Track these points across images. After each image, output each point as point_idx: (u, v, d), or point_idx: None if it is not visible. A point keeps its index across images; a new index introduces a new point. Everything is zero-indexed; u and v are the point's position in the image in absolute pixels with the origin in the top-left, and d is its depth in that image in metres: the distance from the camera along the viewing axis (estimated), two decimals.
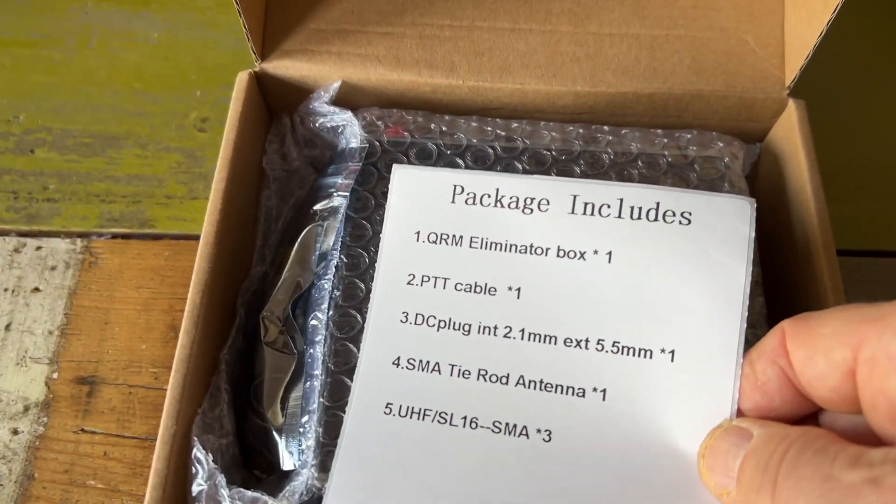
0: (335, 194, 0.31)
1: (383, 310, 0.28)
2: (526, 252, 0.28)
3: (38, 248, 0.40)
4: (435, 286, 0.28)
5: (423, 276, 0.28)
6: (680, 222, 0.27)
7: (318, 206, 0.32)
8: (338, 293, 0.29)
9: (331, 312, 0.29)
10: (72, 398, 0.36)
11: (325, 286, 0.29)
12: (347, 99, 0.35)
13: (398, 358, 0.28)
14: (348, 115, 0.33)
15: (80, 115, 0.44)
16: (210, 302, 0.30)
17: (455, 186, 0.30)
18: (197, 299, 0.29)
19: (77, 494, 0.34)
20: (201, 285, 0.29)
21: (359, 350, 0.28)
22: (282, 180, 0.36)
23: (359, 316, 0.29)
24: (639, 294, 0.27)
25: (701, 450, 0.24)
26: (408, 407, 0.27)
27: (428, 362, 0.27)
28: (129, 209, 0.41)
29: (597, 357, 0.26)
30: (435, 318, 0.28)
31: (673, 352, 0.26)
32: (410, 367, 0.27)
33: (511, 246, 0.28)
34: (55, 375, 0.36)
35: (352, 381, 0.28)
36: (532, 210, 0.29)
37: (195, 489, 0.27)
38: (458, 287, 0.28)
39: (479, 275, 0.28)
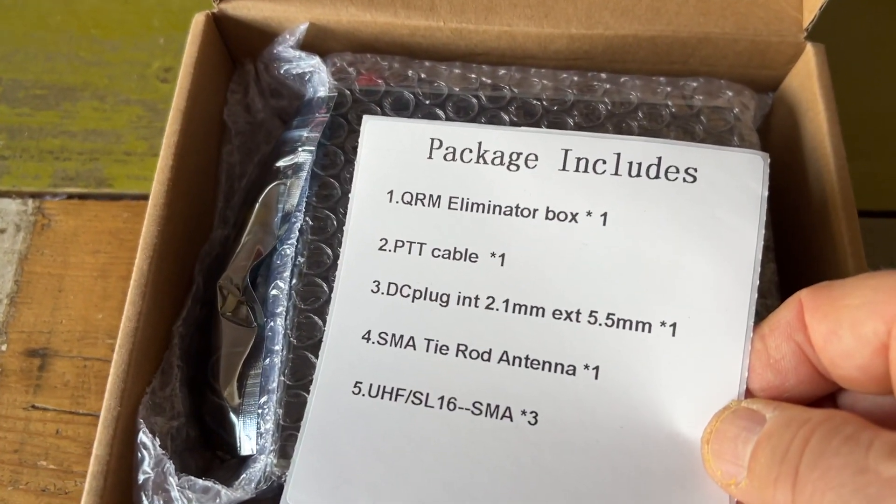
0: (300, 149, 0.28)
1: (352, 278, 0.25)
2: (511, 214, 0.25)
3: None
4: (410, 252, 0.25)
5: (396, 241, 0.25)
6: (684, 180, 0.24)
7: (280, 163, 0.28)
8: (302, 259, 0.26)
9: (294, 281, 0.26)
10: (22, 372, 0.33)
11: (288, 252, 0.26)
12: (316, 43, 0.31)
13: (368, 332, 0.25)
14: (316, 60, 0.30)
15: (32, 65, 0.40)
16: (161, 269, 0.27)
17: (433, 140, 0.26)
18: (144, 267, 0.26)
19: (27, 475, 0.31)
20: (149, 251, 0.26)
21: (324, 323, 0.25)
22: (245, 134, 0.33)
23: (325, 285, 0.26)
24: (637, 260, 0.24)
25: (705, 434, 0.22)
26: (379, 386, 0.24)
27: (402, 336, 0.24)
28: (85, 167, 0.38)
29: (589, 331, 0.24)
30: (409, 287, 0.25)
31: (674, 325, 0.23)
32: (382, 341, 0.25)
33: (495, 207, 0.25)
34: (4, 347, 0.34)
35: (316, 357, 0.25)
36: (518, 166, 0.25)
37: (141, 477, 0.24)
38: (436, 253, 0.25)
39: (459, 239, 0.25)
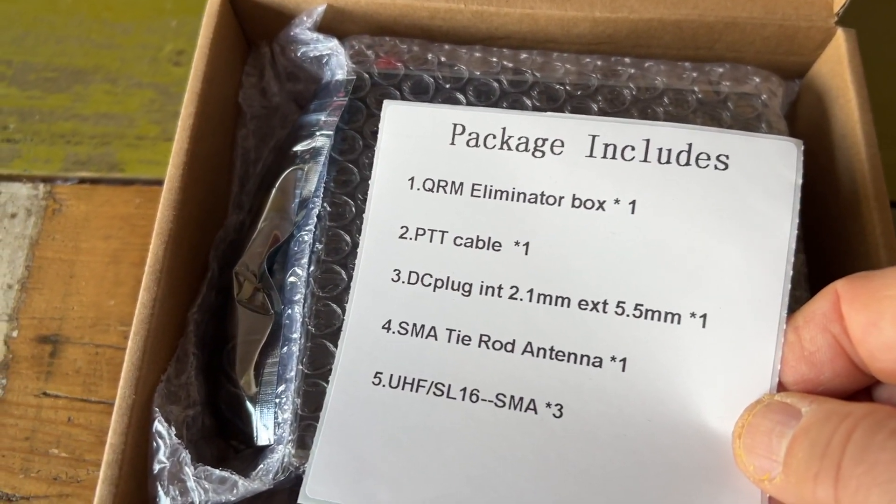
0: (317, 133, 0.27)
1: (372, 267, 0.25)
2: (536, 201, 0.24)
3: None
4: (431, 240, 0.25)
5: (417, 229, 0.25)
6: (715, 167, 0.24)
7: (298, 147, 0.28)
8: (320, 246, 0.26)
9: (312, 268, 0.25)
10: (33, 358, 0.33)
11: (306, 238, 0.26)
12: (334, 25, 0.31)
13: (389, 321, 0.24)
14: (334, 43, 0.29)
15: (43, 47, 0.40)
16: (176, 255, 0.26)
17: (455, 125, 0.26)
18: (160, 252, 0.26)
19: (39, 463, 0.31)
20: (164, 236, 0.26)
21: (343, 311, 0.25)
22: (261, 118, 0.32)
23: (343, 272, 0.25)
24: (666, 250, 0.23)
25: (737, 429, 0.21)
26: (400, 377, 0.23)
27: (423, 326, 0.24)
28: (96, 151, 0.37)
29: (616, 322, 0.23)
30: (431, 276, 0.24)
31: (704, 316, 0.22)
32: (403, 331, 0.24)
33: (519, 194, 0.25)
34: (15, 334, 0.33)
35: (335, 346, 0.24)
36: (544, 153, 0.25)
37: (156, 467, 0.24)
38: (458, 241, 0.25)
39: (482, 227, 0.25)
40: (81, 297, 0.34)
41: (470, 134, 0.26)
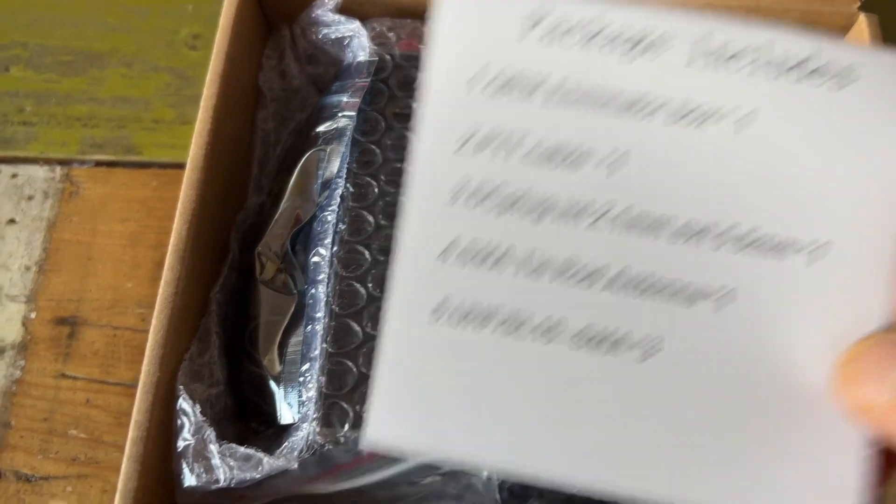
0: (340, 115, 0.27)
1: (426, 186, 0.21)
2: (626, 111, 0.21)
3: (14, 175, 0.36)
4: (496, 155, 0.21)
5: (479, 141, 0.21)
6: (839, 84, 0.21)
7: (320, 128, 0.28)
8: (343, 227, 0.26)
9: (335, 248, 0.25)
10: (51, 340, 0.33)
11: (329, 219, 0.26)
12: (355, 7, 0.31)
13: (446, 250, 0.21)
14: (356, 24, 0.29)
15: (59, 30, 0.40)
16: (198, 235, 0.26)
17: (529, 16, 0.22)
18: (183, 232, 0.26)
19: (57, 444, 0.31)
20: (188, 216, 0.26)
21: (367, 291, 0.25)
22: (280, 101, 0.32)
23: (367, 252, 0.25)
24: (774, 174, 0.21)
25: (839, 359, 0.19)
26: (463, 313, 0.20)
27: (487, 256, 0.21)
28: (113, 134, 0.37)
29: (713, 255, 0.21)
30: (496, 197, 0.21)
31: (814, 251, 0.20)
32: (464, 262, 0.21)
33: (605, 102, 0.21)
34: (33, 315, 0.33)
35: (359, 325, 0.24)
36: (636, 56, 0.21)
37: (181, 444, 0.24)
38: (529, 157, 0.21)
39: (559, 140, 0.21)
40: (99, 280, 0.34)
41: (545, 28, 0.22)
